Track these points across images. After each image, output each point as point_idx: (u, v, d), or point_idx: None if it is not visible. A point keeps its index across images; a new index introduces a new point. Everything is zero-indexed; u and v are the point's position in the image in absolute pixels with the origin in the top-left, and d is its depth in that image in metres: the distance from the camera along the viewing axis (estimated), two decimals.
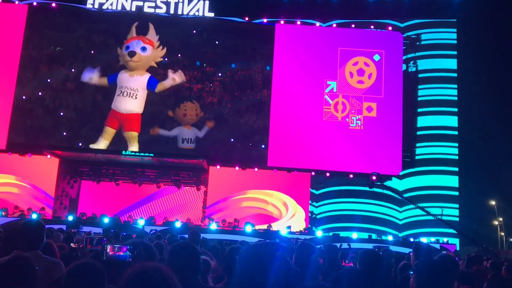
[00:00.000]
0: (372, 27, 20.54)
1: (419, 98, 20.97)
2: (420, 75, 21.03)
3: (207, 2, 19.97)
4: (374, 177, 18.03)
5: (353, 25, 20.44)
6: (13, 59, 19.07)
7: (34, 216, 15.81)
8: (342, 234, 17.66)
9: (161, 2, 20.01)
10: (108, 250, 2.96)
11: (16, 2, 20.06)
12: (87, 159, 19.63)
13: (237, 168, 19.27)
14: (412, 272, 3.68)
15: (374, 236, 18.33)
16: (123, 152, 18.56)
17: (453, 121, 20.89)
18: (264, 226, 17.68)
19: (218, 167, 19.40)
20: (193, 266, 3.08)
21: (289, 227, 17.60)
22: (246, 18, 20.39)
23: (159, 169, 20.12)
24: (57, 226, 11.87)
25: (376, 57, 19.91)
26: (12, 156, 18.64)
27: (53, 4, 19.84)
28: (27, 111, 19.04)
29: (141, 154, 18.63)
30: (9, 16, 19.51)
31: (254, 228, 16.53)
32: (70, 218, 15.83)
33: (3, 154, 18.54)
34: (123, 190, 19.98)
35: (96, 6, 19.81)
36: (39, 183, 18.93)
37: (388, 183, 19.52)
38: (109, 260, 2.91)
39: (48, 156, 18.81)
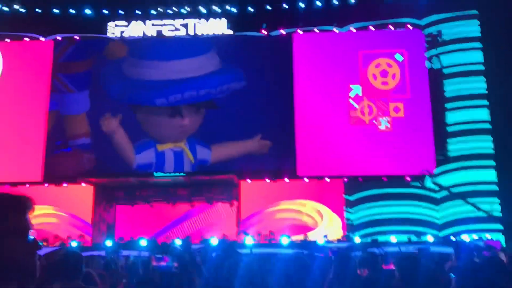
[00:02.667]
0: (390, 27, 20.31)
1: (447, 94, 20.53)
2: (445, 71, 20.62)
3: (224, 20, 20.23)
4: (408, 178, 17.62)
5: (371, 27, 20.27)
6: (43, 95, 19.69)
7: (74, 244, 16.15)
8: (381, 238, 17.33)
9: (180, 25, 20.37)
10: (151, 261, 3.07)
11: (42, 39, 20.69)
12: (121, 184, 20.01)
13: (267, 180, 19.25)
14: (453, 275, 3.60)
15: (413, 238, 17.92)
16: (155, 174, 18.84)
17: (484, 114, 20.33)
18: (300, 237, 17.55)
19: (248, 180, 19.43)
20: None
21: (325, 235, 17.42)
22: (264, 32, 20.39)
23: (191, 188, 20.30)
24: (96, 253, 12.13)
25: (398, 57, 19.65)
26: (48, 187, 19.17)
27: (76, 37, 20.41)
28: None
29: (172, 174, 18.86)
30: (37, 53, 20.21)
31: (290, 239, 16.42)
32: (109, 243, 16.08)
33: (40, 186, 19.05)
34: (157, 211, 20.21)
35: (118, 34, 20.32)
36: (76, 211, 19.37)
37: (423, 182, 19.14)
38: (155, 270, 3.01)
39: (83, 184, 19.26)
